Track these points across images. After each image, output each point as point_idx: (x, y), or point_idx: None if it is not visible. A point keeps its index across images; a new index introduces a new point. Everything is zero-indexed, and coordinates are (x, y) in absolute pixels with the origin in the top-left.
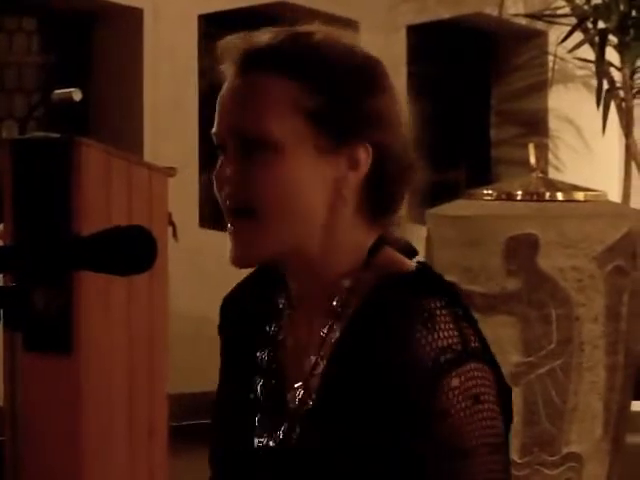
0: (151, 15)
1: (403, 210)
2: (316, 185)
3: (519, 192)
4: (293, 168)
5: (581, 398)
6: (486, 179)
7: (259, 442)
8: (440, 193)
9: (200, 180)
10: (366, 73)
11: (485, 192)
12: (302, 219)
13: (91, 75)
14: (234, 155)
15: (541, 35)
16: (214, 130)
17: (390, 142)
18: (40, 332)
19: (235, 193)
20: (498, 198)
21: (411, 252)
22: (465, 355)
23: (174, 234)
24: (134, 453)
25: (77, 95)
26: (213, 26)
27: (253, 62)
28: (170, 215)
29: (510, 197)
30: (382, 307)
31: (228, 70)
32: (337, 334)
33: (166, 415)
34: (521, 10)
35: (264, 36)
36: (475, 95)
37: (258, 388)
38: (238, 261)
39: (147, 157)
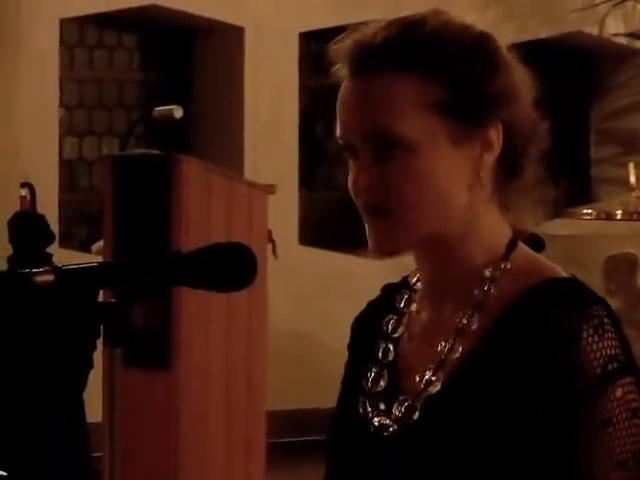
0: (252, 33)
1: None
2: (455, 175)
3: (619, 211)
4: (431, 164)
5: None
6: (586, 198)
7: (376, 422)
8: (544, 209)
9: (300, 197)
10: (482, 53)
11: (585, 211)
12: (442, 211)
13: (192, 92)
14: (368, 158)
15: None
16: (340, 133)
17: (517, 116)
18: (140, 348)
19: (374, 196)
20: (597, 217)
21: (538, 244)
22: (628, 367)
23: (274, 251)
24: (231, 470)
25: (178, 112)
26: (314, 43)
27: (369, 61)
28: (270, 232)
29: (609, 216)
30: (545, 307)
31: (342, 71)
32: (476, 324)
33: (264, 432)
34: (621, 29)
35: (374, 31)
36: (575, 114)
37: (372, 376)
38: (380, 252)
39: (247, 174)
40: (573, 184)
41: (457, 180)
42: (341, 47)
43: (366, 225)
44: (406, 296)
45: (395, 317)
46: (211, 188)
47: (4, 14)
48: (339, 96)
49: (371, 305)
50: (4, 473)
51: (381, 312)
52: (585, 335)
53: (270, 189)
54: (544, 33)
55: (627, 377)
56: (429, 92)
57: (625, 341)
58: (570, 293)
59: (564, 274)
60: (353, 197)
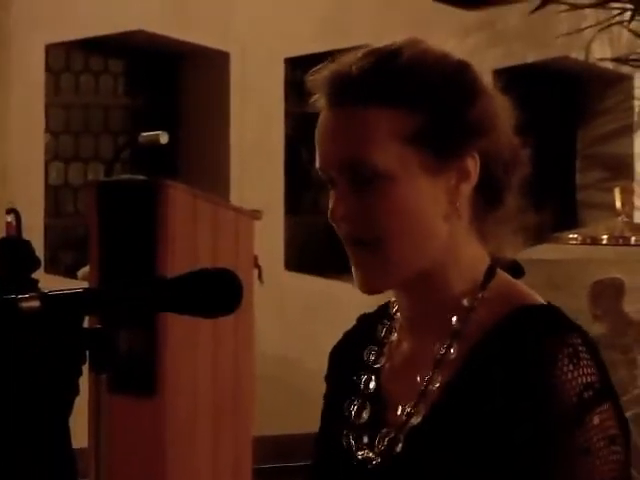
0: (238, 58)
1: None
2: (432, 205)
3: (604, 236)
4: (407, 194)
5: None
6: (572, 223)
7: (360, 455)
8: (526, 236)
9: (286, 223)
10: (460, 82)
11: (570, 236)
12: (424, 241)
13: (178, 117)
14: (346, 189)
15: (627, 79)
16: (319, 165)
17: (495, 145)
18: (125, 374)
19: (353, 227)
20: (583, 242)
21: (517, 271)
22: (604, 394)
23: (259, 277)
24: None
25: (164, 138)
26: (299, 69)
27: (344, 93)
28: (256, 258)
29: (595, 241)
30: (522, 336)
31: (320, 102)
32: (455, 353)
33: (251, 458)
34: (607, 54)
35: (350, 62)
36: (561, 139)
37: (352, 409)
38: (368, 290)
39: (233, 199)
40: (559, 209)
41: (433, 210)
42: (318, 78)
43: (349, 255)
44: (386, 326)
45: (376, 347)
46: (197, 213)
47: None
48: (317, 126)
49: (348, 335)
50: None
51: (360, 342)
52: (560, 364)
53: (256, 214)
54: (530, 58)
55: (604, 404)
56: (404, 124)
57: (602, 367)
58: (546, 321)
59: (541, 301)
60: (333, 225)
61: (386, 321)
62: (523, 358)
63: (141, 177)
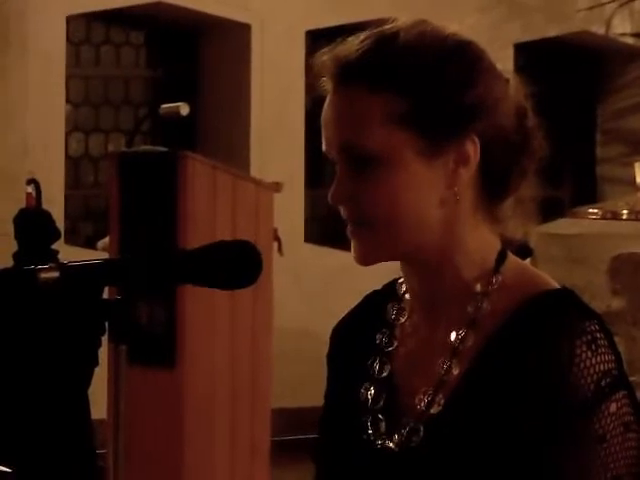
0: (258, 30)
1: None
2: (427, 189)
3: (624, 211)
4: (402, 178)
5: None
6: (591, 197)
7: (379, 444)
8: (545, 211)
9: (306, 196)
10: (458, 62)
11: (590, 211)
12: (417, 224)
13: (198, 89)
14: (345, 171)
15: None
16: (324, 147)
17: (497, 127)
18: (145, 345)
19: (351, 208)
20: (603, 217)
21: (525, 252)
22: (620, 381)
23: (279, 249)
24: (235, 468)
25: (184, 109)
26: (320, 42)
27: (344, 76)
28: (276, 230)
29: (615, 216)
30: (539, 323)
31: (327, 84)
32: (471, 341)
33: (269, 432)
34: (628, 29)
35: (352, 46)
36: (581, 113)
37: (369, 395)
38: (362, 261)
39: (253, 172)
40: (578, 184)
41: (428, 195)
42: (325, 60)
43: (350, 236)
44: (396, 308)
45: (386, 330)
46: (217, 186)
47: (11, 12)
48: (323, 110)
49: (354, 314)
50: (10, 469)
51: (368, 322)
52: (578, 351)
53: (276, 187)
54: (550, 32)
55: (620, 391)
56: (394, 107)
57: (618, 354)
58: (562, 308)
59: (556, 285)
60: (334, 207)
61: (395, 303)
62: (541, 347)
63: (162, 148)
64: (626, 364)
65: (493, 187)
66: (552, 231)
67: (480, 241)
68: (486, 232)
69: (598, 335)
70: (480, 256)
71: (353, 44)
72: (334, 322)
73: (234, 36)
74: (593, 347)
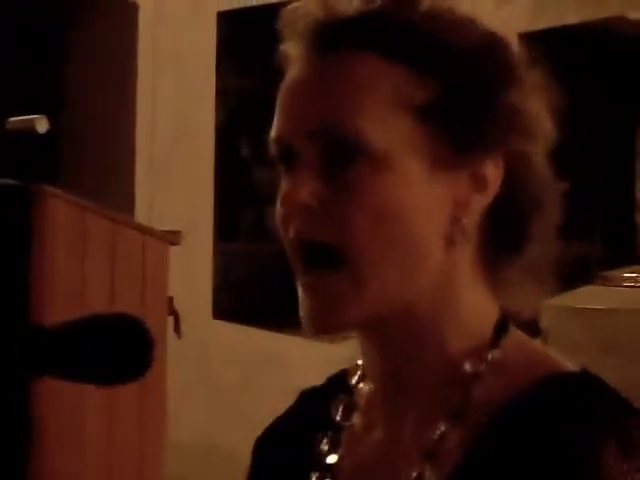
0: (150, 11)
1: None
2: (429, 215)
3: None
4: (401, 188)
5: None
6: (629, 256)
7: None
8: (563, 275)
9: (216, 251)
10: (496, 56)
11: (628, 275)
12: (413, 263)
13: (61, 97)
14: (313, 168)
15: None
16: (276, 134)
17: (527, 157)
18: None
19: (314, 225)
20: None
21: (531, 333)
22: None
23: (176, 328)
24: None
25: (41, 125)
26: (238, 27)
27: (335, 37)
28: (171, 300)
29: None
30: (552, 419)
31: (294, 50)
32: (454, 440)
33: None
34: None
35: (351, 2)
36: (615, 134)
37: None
38: (319, 327)
39: (140, 216)
40: (612, 236)
41: (429, 223)
42: (300, 15)
43: (297, 271)
44: (344, 403)
45: (330, 435)
46: (88, 234)
47: None
48: (283, 85)
49: (284, 420)
50: None
51: (304, 427)
52: (609, 453)
53: (173, 237)
54: (569, 18)
55: None
56: (413, 88)
57: None
58: (584, 396)
59: (572, 368)
60: (280, 227)
61: (343, 396)
62: (554, 448)
63: (8, 181)
64: None
65: (501, 237)
66: (573, 304)
67: (476, 306)
68: (483, 296)
69: (634, 433)
70: (473, 326)
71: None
72: (255, 433)
73: (114, 19)
74: (626, 448)
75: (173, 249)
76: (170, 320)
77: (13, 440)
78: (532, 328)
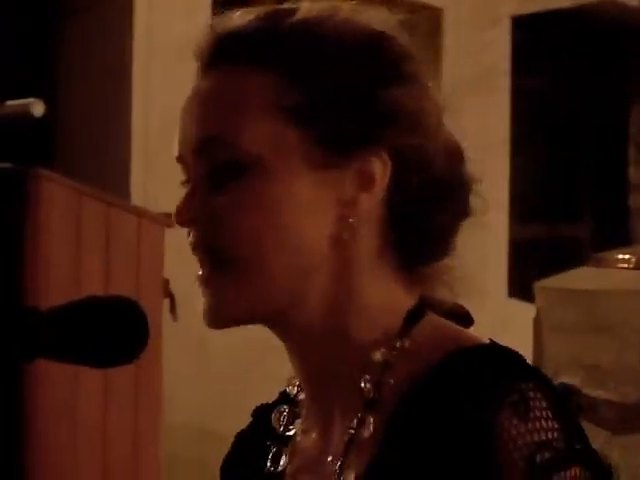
0: (144, 6)
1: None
2: (313, 216)
3: None
4: (279, 194)
5: None
6: (620, 238)
7: None
8: (555, 257)
9: None
10: (375, 54)
11: (619, 257)
12: (298, 264)
13: (56, 81)
14: (198, 181)
15: None
16: (176, 152)
17: (418, 148)
18: None
19: (204, 235)
20: (637, 266)
21: (463, 319)
22: (569, 456)
23: (172, 310)
24: None
25: (37, 108)
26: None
27: (218, 54)
28: (167, 282)
29: None
30: (453, 390)
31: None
32: (369, 429)
33: None
34: None
35: (233, 19)
36: (606, 118)
37: None
38: (213, 322)
39: (135, 199)
40: (603, 218)
41: (314, 224)
42: (201, 39)
43: (198, 280)
44: (285, 413)
45: (275, 446)
46: (83, 217)
47: None
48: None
49: (242, 437)
50: None
51: (258, 443)
52: (503, 419)
53: (168, 220)
54: (562, 2)
55: (570, 468)
56: (283, 94)
57: (569, 422)
58: (484, 366)
59: (479, 340)
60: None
61: (285, 407)
62: (457, 420)
63: (4, 164)
64: None
65: (407, 232)
66: (564, 285)
67: (386, 296)
68: (395, 286)
69: (531, 395)
70: (384, 316)
71: (234, 18)
72: (248, 420)
73: (109, 7)
74: (521, 411)
75: (169, 231)
76: (166, 303)
77: (7, 424)
78: (463, 319)
